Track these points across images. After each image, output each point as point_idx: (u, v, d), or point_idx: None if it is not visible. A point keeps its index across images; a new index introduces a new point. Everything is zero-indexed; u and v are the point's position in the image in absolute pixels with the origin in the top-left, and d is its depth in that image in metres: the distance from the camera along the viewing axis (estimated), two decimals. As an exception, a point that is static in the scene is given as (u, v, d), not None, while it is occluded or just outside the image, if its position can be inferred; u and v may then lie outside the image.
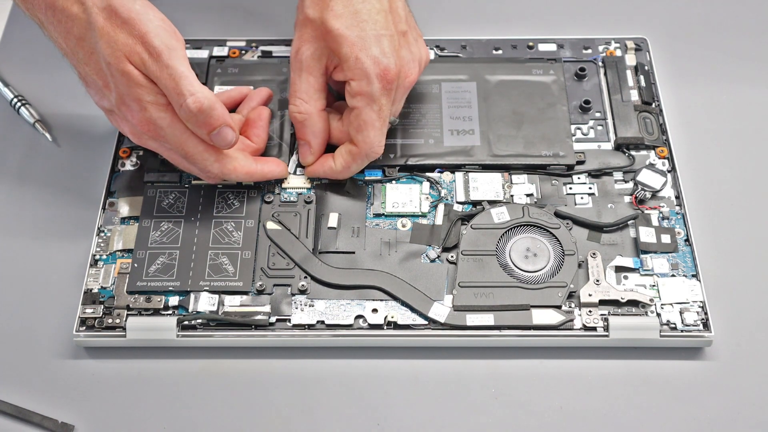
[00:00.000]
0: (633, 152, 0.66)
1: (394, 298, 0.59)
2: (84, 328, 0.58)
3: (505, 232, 0.62)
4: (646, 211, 0.63)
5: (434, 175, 0.65)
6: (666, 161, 0.65)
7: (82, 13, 0.56)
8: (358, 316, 0.59)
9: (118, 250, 0.62)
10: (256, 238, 0.62)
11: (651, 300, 0.59)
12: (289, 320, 0.59)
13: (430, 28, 0.74)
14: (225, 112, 0.57)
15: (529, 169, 0.65)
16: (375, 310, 0.59)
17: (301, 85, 0.62)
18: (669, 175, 0.65)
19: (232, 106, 0.66)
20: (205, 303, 0.59)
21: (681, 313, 0.59)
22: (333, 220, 0.62)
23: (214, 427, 0.56)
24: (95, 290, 0.60)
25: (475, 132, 0.66)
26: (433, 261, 0.61)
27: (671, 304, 0.59)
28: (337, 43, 0.59)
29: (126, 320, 0.58)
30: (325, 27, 0.59)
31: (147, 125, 0.57)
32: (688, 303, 0.59)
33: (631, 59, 0.71)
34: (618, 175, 0.65)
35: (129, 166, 0.65)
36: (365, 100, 0.59)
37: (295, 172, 0.65)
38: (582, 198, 0.64)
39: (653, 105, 0.68)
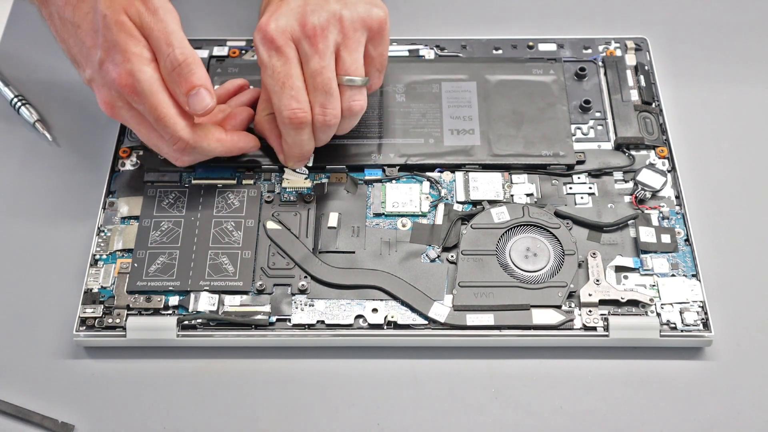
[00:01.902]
0: (633, 152, 0.66)
1: (394, 297, 0.59)
2: (84, 328, 0.58)
3: (505, 231, 0.62)
4: (646, 211, 0.63)
5: (434, 174, 0.65)
6: (666, 161, 0.65)
7: None
8: (358, 316, 0.59)
9: (118, 250, 0.62)
10: (256, 238, 0.62)
11: (651, 300, 0.59)
12: (289, 320, 0.59)
13: (431, 28, 0.74)
14: (208, 77, 0.57)
15: (529, 168, 0.65)
16: (375, 310, 0.59)
17: None
18: (669, 175, 0.65)
19: (227, 98, 0.66)
20: (205, 303, 0.59)
21: (681, 313, 0.59)
22: (333, 219, 0.62)
23: (214, 427, 0.56)
24: (95, 290, 0.60)
25: (475, 132, 0.66)
26: (433, 261, 0.61)
27: (671, 304, 0.59)
28: (254, 41, 0.60)
29: (126, 320, 0.58)
30: None
31: (124, 78, 0.56)
32: (688, 303, 0.59)
33: (631, 59, 0.71)
34: (618, 175, 0.65)
35: (129, 166, 0.65)
36: (261, 70, 0.60)
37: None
38: (582, 198, 0.64)
39: (653, 105, 0.68)
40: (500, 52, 0.72)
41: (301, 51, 0.59)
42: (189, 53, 0.56)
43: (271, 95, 0.59)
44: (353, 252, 0.61)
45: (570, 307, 0.59)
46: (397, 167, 0.65)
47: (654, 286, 0.60)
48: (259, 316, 0.59)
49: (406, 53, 0.72)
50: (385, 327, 0.58)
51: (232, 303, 0.59)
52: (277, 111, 0.59)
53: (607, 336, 0.58)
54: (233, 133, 0.62)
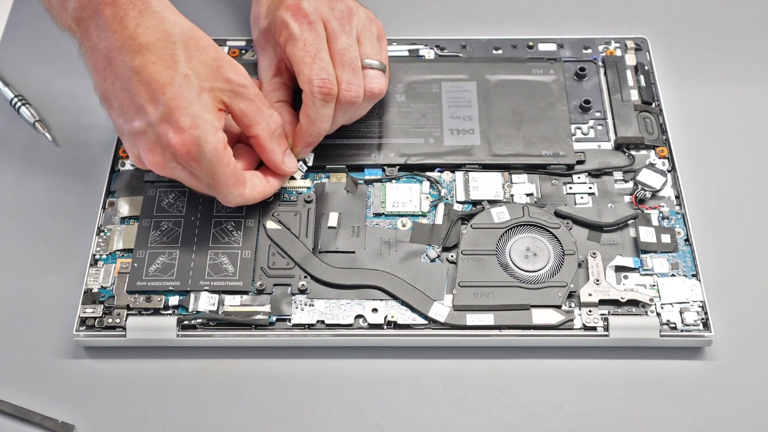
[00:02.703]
0: (633, 152, 0.66)
1: (394, 297, 0.59)
2: (84, 327, 0.58)
3: (505, 231, 0.62)
4: (646, 211, 0.63)
5: (434, 174, 0.65)
6: (666, 161, 0.65)
7: (158, 22, 0.55)
8: (358, 316, 0.59)
9: (118, 250, 0.62)
10: (256, 238, 0.62)
11: (651, 300, 0.59)
12: (289, 320, 0.59)
13: (431, 28, 0.74)
14: None
15: (529, 168, 0.65)
16: (375, 310, 0.59)
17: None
18: (669, 174, 0.65)
19: None
20: (205, 303, 0.59)
21: (681, 312, 0.59)
22: (333, 219, 0.63)
23: (214, 427, 0.56)
24: (95, 290, 0.60)
25: (475, 131, 0.66)
26: (433, 261, 0.61)
27: (671, 304, 0.59)
28: (278, 20, 0.62)
29: (126, 320, 0.58)
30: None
31: (189, 146, 0.54)
32: (688, 303, 0.59)
33: (631, 59, 0.71)
34: (618, 175, 0.65)
35: (129, 165, 0.65)
36: (289, 44, 0.60)
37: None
38: (582, 198, 0.64)
39: (653, 105, 0.68)
40: (500, 52, 0.72)
41: (329, 30, 0.61)
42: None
43: (300, 68, 0.60)
44: (353, 252, 0.61)
45: (570, 307, 0.59)
46: (397, 167, 0.65)
47: (654, 286, 0.60)
48: (259, 316, 0.59)
49: (406, 53, 0.72)
50: (385, 327, 0.58)
51: (232, 303, 0.59)
52: (307, 81, 0.60)
53: (607, 336, 0.58)
54: (271, 177, 0.62)
